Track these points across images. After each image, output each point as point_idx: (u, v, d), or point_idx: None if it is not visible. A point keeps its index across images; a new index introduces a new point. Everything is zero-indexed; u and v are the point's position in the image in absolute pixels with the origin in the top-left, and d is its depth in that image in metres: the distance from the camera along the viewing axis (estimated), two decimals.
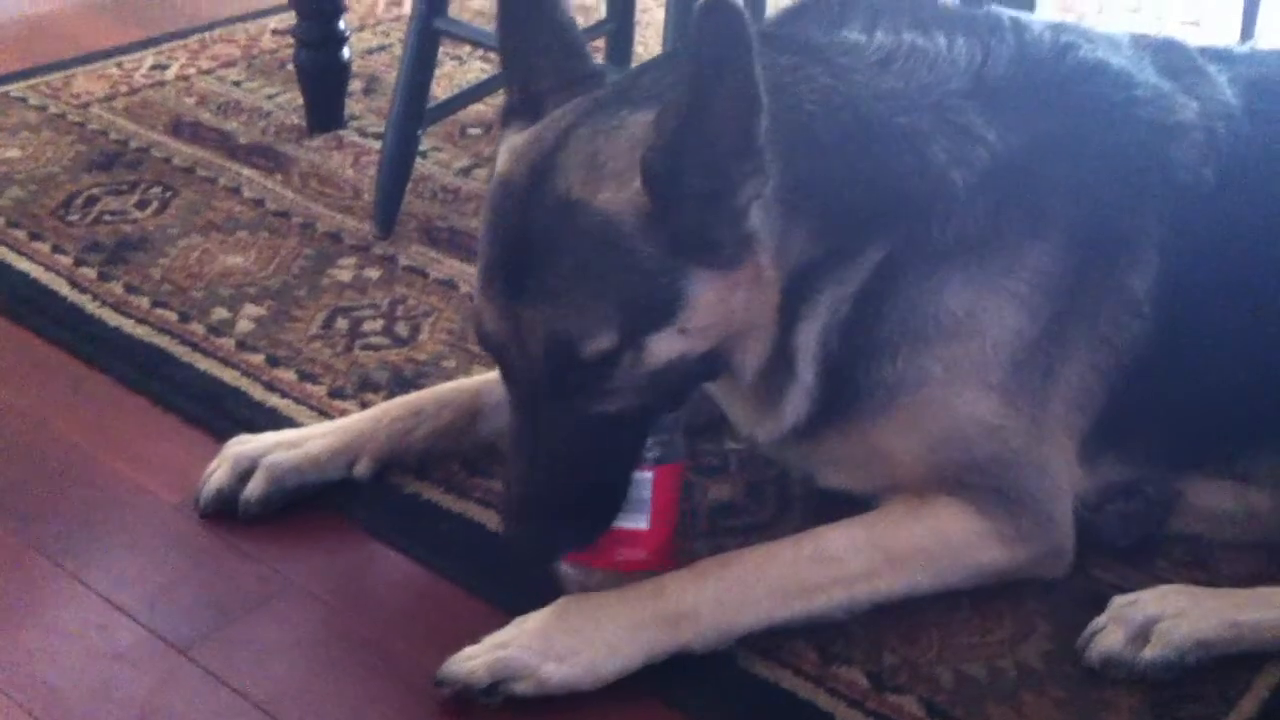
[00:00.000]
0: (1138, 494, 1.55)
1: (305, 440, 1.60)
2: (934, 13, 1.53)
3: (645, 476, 1.41)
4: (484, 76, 2.55)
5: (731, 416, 1.58)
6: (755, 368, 1.43)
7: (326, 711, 1.37)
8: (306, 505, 1.60)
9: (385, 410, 1.65)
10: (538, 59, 1.43)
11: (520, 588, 1.48)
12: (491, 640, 1.37)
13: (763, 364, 1.43)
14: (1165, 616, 1.41)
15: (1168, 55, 1.57)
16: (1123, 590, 1.48)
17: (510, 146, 1.40)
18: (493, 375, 1.66)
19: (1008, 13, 1.55)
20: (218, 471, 1.59)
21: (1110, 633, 1.42)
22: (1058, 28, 1.55)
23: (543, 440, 1.35)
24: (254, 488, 1.57)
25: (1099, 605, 1.47)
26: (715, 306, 1.34)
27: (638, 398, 1.35)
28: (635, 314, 1.31)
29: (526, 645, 1.35)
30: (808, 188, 1.39)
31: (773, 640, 1.43)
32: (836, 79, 1.42)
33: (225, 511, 1.57)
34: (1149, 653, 1.40)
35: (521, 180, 1.34)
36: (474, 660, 1.35)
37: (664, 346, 1.33)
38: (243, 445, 1.60)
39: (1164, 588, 1.46)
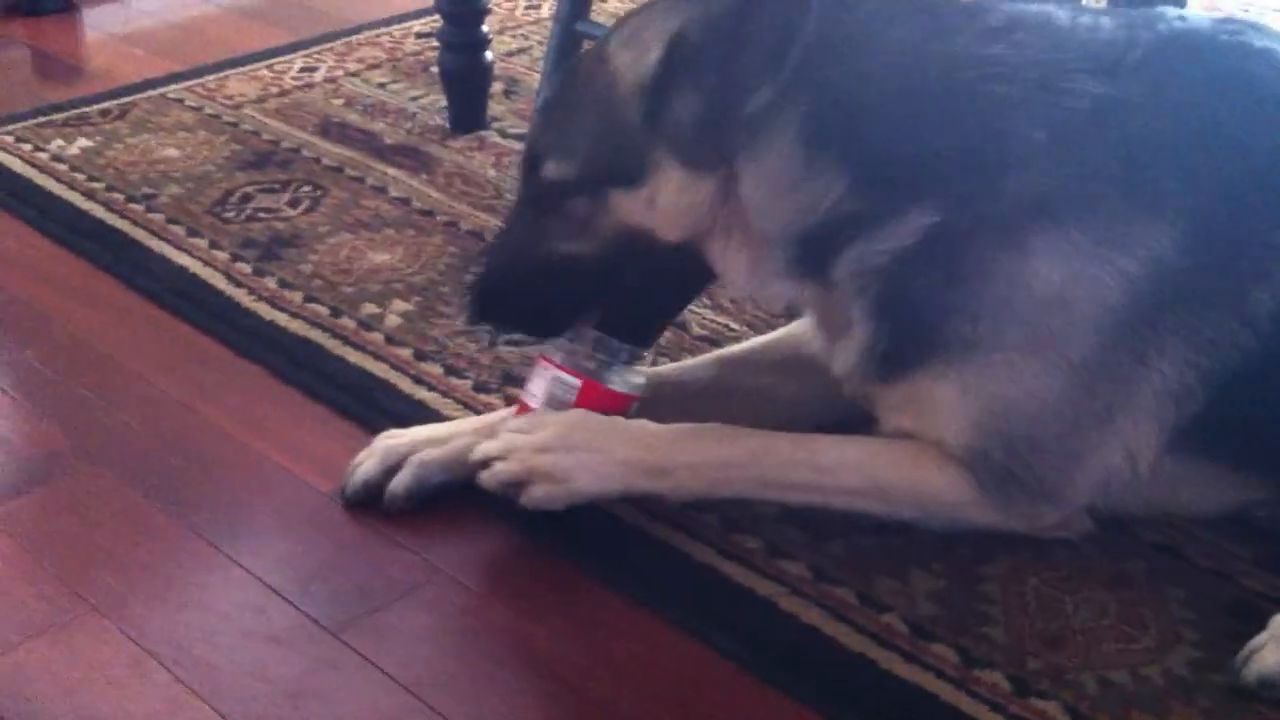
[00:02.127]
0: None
1: (452, 437, 1.64)
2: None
3: (571, 382, 1.57)
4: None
5: (821, 352, 1.61)
6: (742, 284, 1.52)
7: (471, 697, 1.40)
8: (453, 495, 1.64)
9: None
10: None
11: (660, 584, 1.50)
12: (498, 445, 1.54)
13: (753, 285, 1.52)
14: None
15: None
16: (1272, 598, 1.45)
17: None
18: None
19: (1174, 10, 1.51)
20: (366, 463, 1.63)
21: (1270, 653, 1.37)
22: (1228, 21, 1.50)
23: (511, 237, 1.58)
24: (400, 482, 1.61)
25: (1246, 614, 1.44)
26: (681, 196, 1.44)
27: (599, 248, 1.49)
28: (599, 162, 1.46)
29: (526, 463, 1.52)
30: (848, 135, 1.41)
31: (916, 643, 1.43)
32: (932, 37, 1.43)
33: (371, 502, 1.62)
34: None
35: (593, 51, 1.52)
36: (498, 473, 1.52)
37: (626, 208, 1.46)
38: (392, 439, 1.64)
39: None
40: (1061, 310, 1.41)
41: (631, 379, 1.60)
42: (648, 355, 1.64)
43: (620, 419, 1.57)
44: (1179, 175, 1.40)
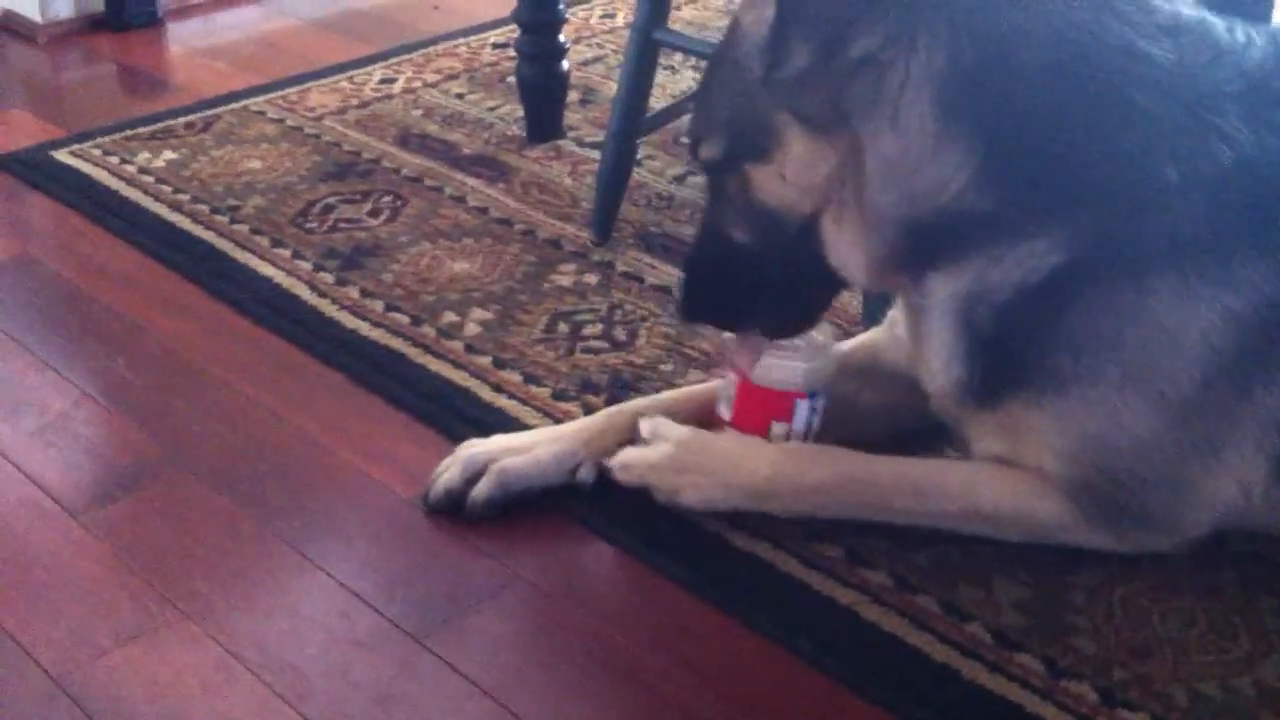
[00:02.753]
0: None
1: (533, 446, 1.65)
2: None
3: (730, 379, 1.61)
4: (695, 85, 2.58)
5: (908, 364, 1.60)
6: (853, 273, 1.48)
7: (553, 701, 1.41)
8: (532, 502, 1.65)
9: (610, 418, 1.68)
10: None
11: (740, 590, 1.50)
12: (622, 459, 1.60)
13: (866, 277, 1.49)
14: None
15: None
16: None
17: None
18: (714, 384, 1.69)
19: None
20: (449, 471, 1.64)
21: None
22: None
23: (700, 230, 1.58)
24: (481, 489, 1.62)
25: None
26: (806, 166, 1.41)
27: (753, 234, 1.48)
28: (737, 135, 1.43)
29: (646, 473, 1.58)
30: (985, 109, 1.34)
31: (1001, 653, 1.41)
32: (1106, 22, 1.35)
33: (453, 509, 1.63)
34: None
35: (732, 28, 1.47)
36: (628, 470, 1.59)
37: (764, 183, 1.44)
38: (474, 448, 1.66)
39: None
40: (1169, 349, 1.39)
41: (795, 373, 1.58)
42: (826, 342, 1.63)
43: (730, 438, 1.59)
44: None
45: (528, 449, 1.64)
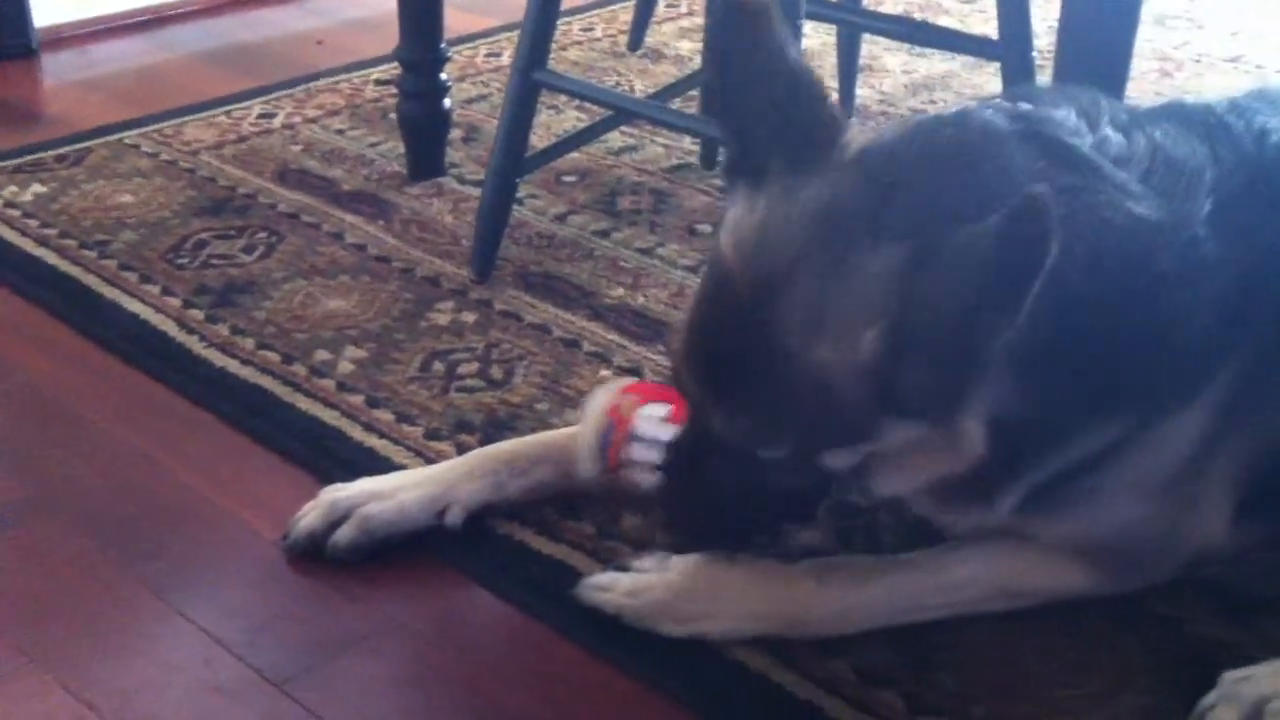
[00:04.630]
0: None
1: (398, 490, 1.63)
2: (1134, 108, 1.47)
3: (604, 422, 1.54)
4: (579, 125, 2.59)
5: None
6: (913, 496, 1.47)
7: None
8: (402, 546, 1.63)
9: (480, 461, 1.66)
10: (757, 104, 1.29)
11: (608, 632, 1.50)
12: (625, 585, 1.50)
13: (920, 501, 1.48)
14: (1278, 695, 1.37)
15: None
16: (1225, 647, 1.46)
17: (735, 226, 1.31)
18: (575, 429, 1.66)
19: (1192, 101, 1.50)
20: (310, 515, 1.62)
21: (1221, 714, 1.37)
22: (1243, 109, 1.47)
23: (698, 471, 1.40)
24: (344, 534, 1.59)
25: (1200, 661, 1.45)
26: (903, 444, 1.32)
27: (802, 481, 1.38)
28: (817, 440, 1.31)
29: (656, 604, 1.48)
30: (1043, 344, 1.26)
31: (861, 689, 1.42)
32: (1114, 209, 1.30)
33: (314, 553, 1.60)
34: None
35: (742, 291, 1.28)
36: (607, 594, 1.50)
37: (838, 460, 1.34)
38: (338, 492, 1.63)
39: (1277, 663, 1.41)
40: (1178, 461, 1.44)
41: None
42: None
43: (746, 563, 1.50)
44: (1257, 299, 1.40)
45: (392, 494, 1.62)
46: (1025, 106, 1.38)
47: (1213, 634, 1.50)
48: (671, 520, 1.50)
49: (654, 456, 1.47)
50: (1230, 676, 1.40)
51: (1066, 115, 1.37)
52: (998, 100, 1.47)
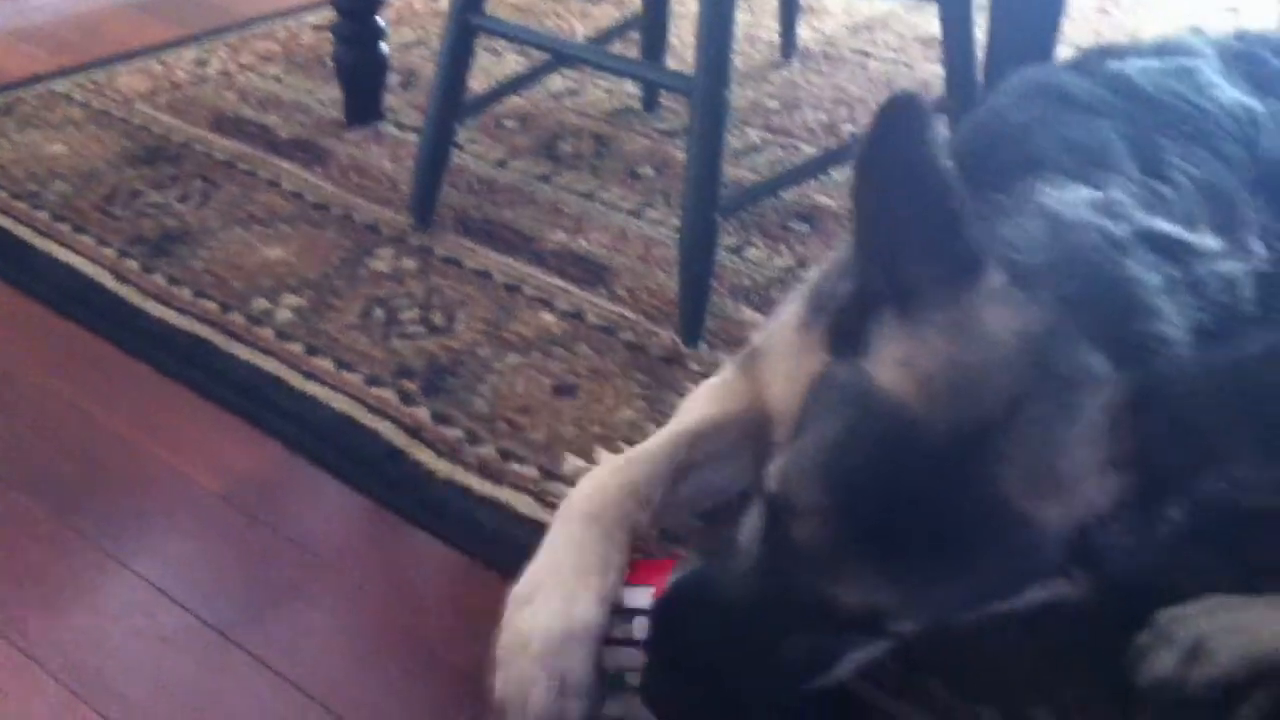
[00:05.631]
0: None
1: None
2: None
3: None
4: (520, 70, 2.57)
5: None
6: None
7: (364, 694, 1.40)
8: (343, 492, 1.63)
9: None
10: (907, 231, 1.12)
11: None
12: None
13: None
14: (1214, 634, 1.38)
15: (1249, 63, 1.47)
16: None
17: (907, 364, 1.11)
18: (664, 440, 1.48)
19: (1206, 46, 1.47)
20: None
21: (1160, 655, 1.39)
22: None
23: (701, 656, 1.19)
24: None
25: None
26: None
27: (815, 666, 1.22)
28: (967, 606, 1.16)
29: None
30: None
31: None
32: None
33: None
34: (1198, 673, 1.37)
35: (938, 439, 1.07)
36: None
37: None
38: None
39: (1209, 600, 1.42)
40: None
41: None
42: None
43: None
44: None
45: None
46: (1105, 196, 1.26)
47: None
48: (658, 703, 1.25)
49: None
50: (1164, 617, 1.41)
51: (1122, 188, 1.27)
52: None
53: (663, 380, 1.81)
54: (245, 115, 2.53)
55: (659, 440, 1.47)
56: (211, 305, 1.96)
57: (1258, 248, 1.28)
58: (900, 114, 1.09)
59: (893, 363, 1.11)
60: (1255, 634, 1.40)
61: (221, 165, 2.35)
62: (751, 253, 2.11)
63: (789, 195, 2.25)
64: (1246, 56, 1.49)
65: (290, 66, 2.74)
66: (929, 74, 2.68)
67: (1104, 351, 1.10)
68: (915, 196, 1.10)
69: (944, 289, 1.11)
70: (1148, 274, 1.17)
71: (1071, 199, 1.24)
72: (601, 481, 1.39)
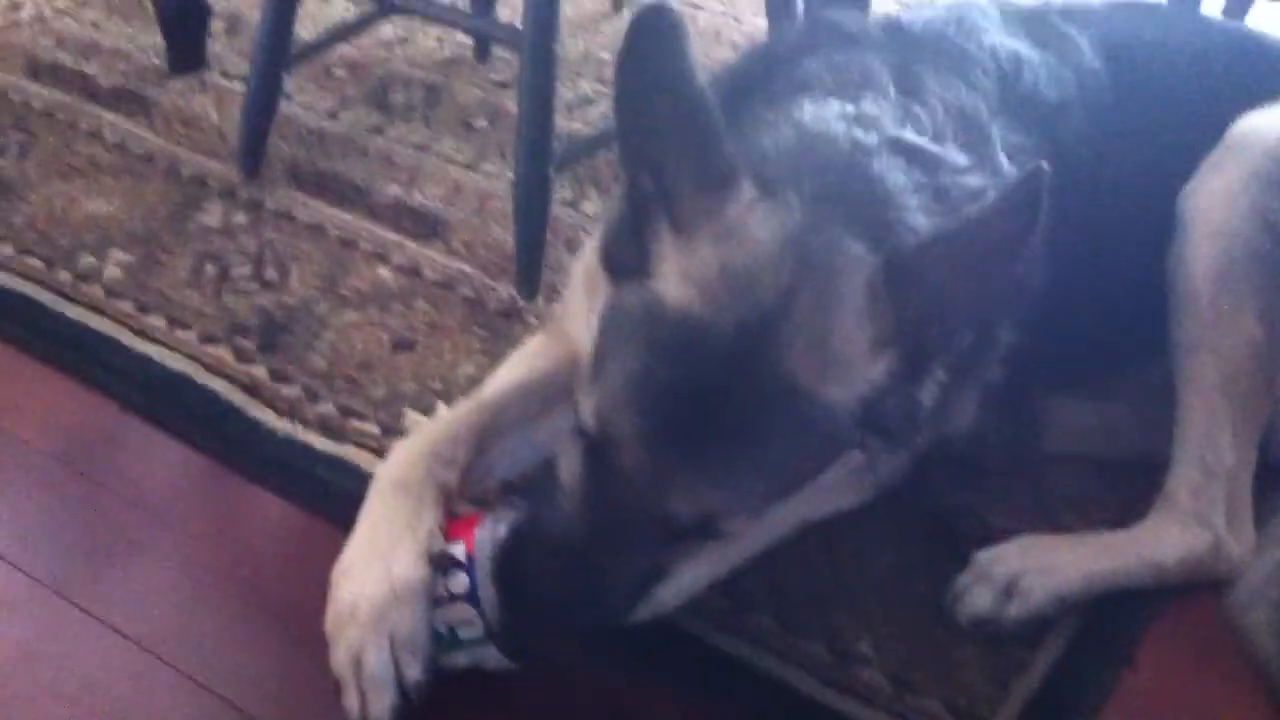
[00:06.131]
0: (1012, 418, 1.63)
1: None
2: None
3: None
4: (348, 17, 2.54)
5: None
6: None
7: (206, 648, 1.41)
8: (181, 450, 1.63)
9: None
10: (668, 144, 1.19)
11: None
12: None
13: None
14: (1026, 573, 1.50)
15: (1037, 24, 1.60)
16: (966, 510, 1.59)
17: (685, 274, 1.19)
18: (465, 407, 1.53)
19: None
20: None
21: (979, 593, 1.49)
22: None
23: (603, 549, 1.25)
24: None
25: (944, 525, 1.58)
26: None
27: (637, 577, 1.30)
28: (785, 490, 1.26)
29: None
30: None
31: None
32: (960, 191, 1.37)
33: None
34: (1013, 610, 1.48)
35: (727, 338, 1.17)
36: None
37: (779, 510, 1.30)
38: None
39: (1022, 540, 1.54)
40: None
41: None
42: None
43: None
44: None
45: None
46: (848, 108, 1.37)
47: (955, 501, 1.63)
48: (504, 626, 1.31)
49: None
50: (983, 557, 1.52)
51: (876, 104, 1.39)
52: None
53: (501, 334, 1.84)
54: (63, 62, 2.45)
55: (461, 407, 1.54)
56: (36, 262, 1.92)
57: (1004, 164, 1.42)
58: (653, 25, 1.18)
59: (675, 279, 1.20)
60: (1062, 573, 1.52)
61: (40, 115, 2.28)
62: (587, 206, 2.14)
63: None
64: (1036, 18, 1.62)
65: (108, 10, 2.65)
66: (756, 28, 2.73)
67: (858, 239, 1.22)
68: (672, 109, 1.18)
69: (705, 199, 1.20)
70: (894, 174, 1.31)
71: (824, 113, 1.36)
72: (404, 452, 1.44)
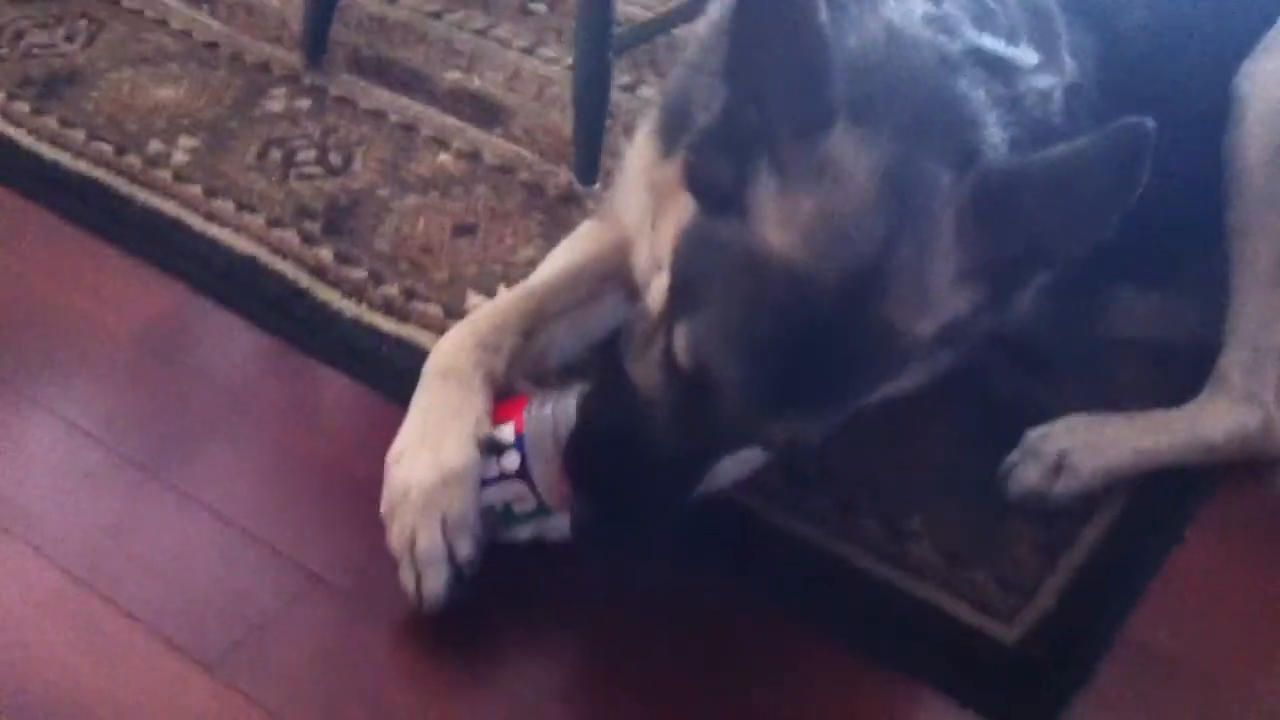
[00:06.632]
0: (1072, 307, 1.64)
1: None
2: None
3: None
4: None
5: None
6: None
7: (286, 522, 1.47)
8: (251, 332, 1.68)
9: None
10: (779, 84, 1.19)
11: None
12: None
13: None
14: (1075, 449, 1.53)
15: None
16: (1023, 397, 1.62)
17: (786, 219, 1.20)
18: (513, 295, 1.57)
19: None
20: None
21: (1028, 468, 1.53)
22: None
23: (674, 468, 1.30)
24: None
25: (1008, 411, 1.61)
26: None
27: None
28: (868, 398, 1.30)
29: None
30: None
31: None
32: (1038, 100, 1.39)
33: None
34: (1062, 485, 1.52)
35: (829, 288, 1.19)
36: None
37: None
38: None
39: (1072, 419, 1.57)
40: None
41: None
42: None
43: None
44: None
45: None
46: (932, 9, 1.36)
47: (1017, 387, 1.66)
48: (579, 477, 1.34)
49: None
50: (1033, 435, 1.56)
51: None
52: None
53: (560, 219, 1.87)
54: None
55: (508, 295, 1.57)
56: (106, 148, 1.96)
57: (1068, 61, 1.42)
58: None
59: (775, 224, 1.20)
60: (1111, 449, 1.55)
61: (106, 3, 2.30)
62: (645, 91, 2.15)
63: (680, 32, 2.28)
64: None
65: None
66: None
67: (946, 166, 1.23)
68: (789, 50, 1.17)
69: (807, 142, 1.19)
70: (976, 91, 1.30)
71: (910, 8, 1.34)
72: (452, 341, 1.48)
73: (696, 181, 1.26)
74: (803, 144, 1.19)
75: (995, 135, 1.29)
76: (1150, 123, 1.15)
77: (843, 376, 1.23)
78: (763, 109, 1.20)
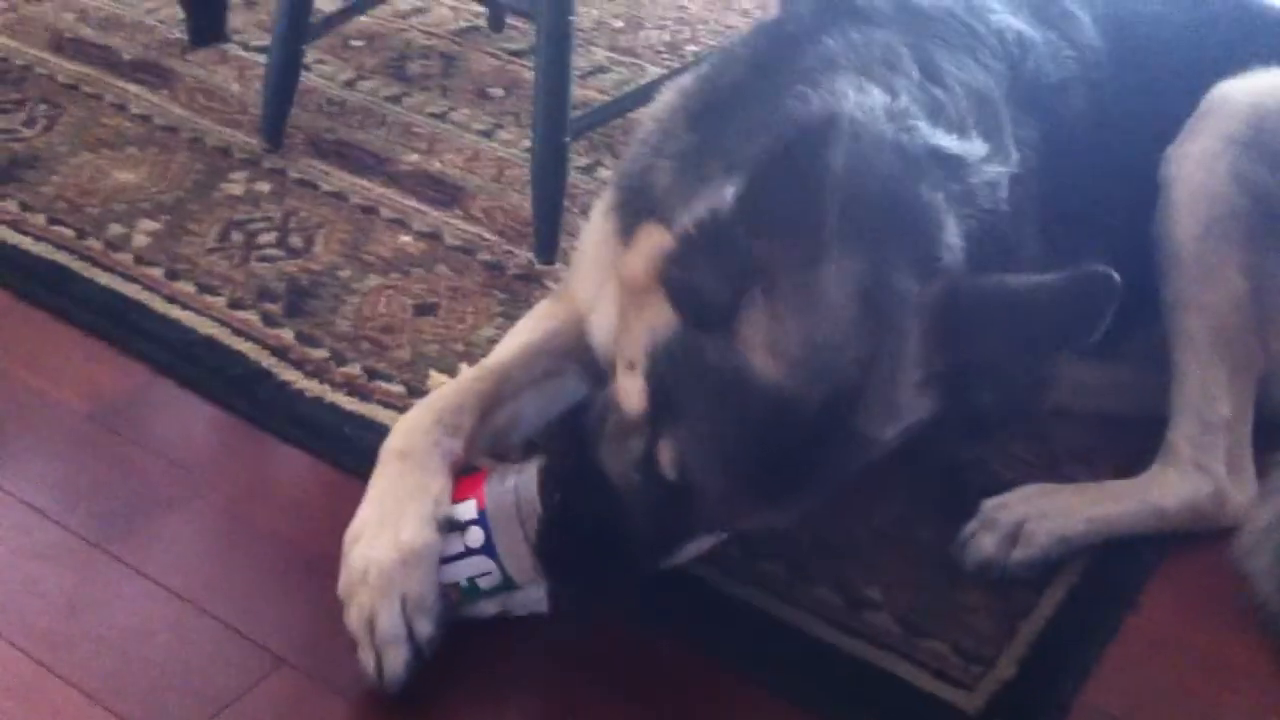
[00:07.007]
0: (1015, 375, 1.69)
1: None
2: None
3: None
4: None
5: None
6: None
7: (242, 599, 1.46)
8: (212, 411, 1.68)
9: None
10: (787, 229, 1.22)
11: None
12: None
13: None
14: (1031, 518, 1.55)
15: (1040, 3, 1.63)
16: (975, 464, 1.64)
17: (773, 344, 1.23)
18: (470, 374, 1.57)
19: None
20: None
21: (984, 538, 1.55)
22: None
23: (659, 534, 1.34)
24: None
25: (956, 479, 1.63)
26: None
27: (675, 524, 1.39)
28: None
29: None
30: None
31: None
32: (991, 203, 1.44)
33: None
34: (1018, 554, 1.54)
35: (812, 409, 1.24)
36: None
37: None
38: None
39: (1027, 489, 1.60)
40: None
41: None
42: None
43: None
44: None
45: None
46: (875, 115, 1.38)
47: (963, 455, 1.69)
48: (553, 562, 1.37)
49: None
50: (988, 505, 1.58)
51: (908, 93, 1.41)
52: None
53: (521, 297, 1.90)
54: (86, 36, 2.50)
55: (466, 375, 1.58)
56: (67, 231, 1.97)
57: (1013, 150, 1.48)
58: (820, 135, 1.17)
59: (765, 349, 1.24)
60: (1066, 518, 1.57)
61: (65, 88, 2.33)
62: (602, 172, 2.19)
63: (636, 115, 2.32)
64: None
65: None
66: None
67: (912, 276, 1.28)
68: (804, 197, 1.19)
69: (802, 272, 1.23)
70: (935, 193, 1.35)
71: (870, 103, 1.38)
72: (410, 421, 1.49)
73: (680, 293, 1.27)
74: (800, 276, 1.23)
75: (953, 235, 1.33)
76: (1115, 275, 1.21)
77: (816, 479, 1.30)
78: (770, 244, 1.22)
